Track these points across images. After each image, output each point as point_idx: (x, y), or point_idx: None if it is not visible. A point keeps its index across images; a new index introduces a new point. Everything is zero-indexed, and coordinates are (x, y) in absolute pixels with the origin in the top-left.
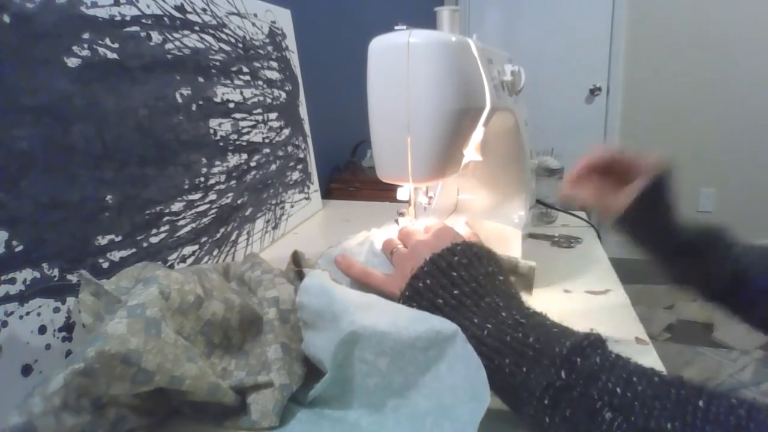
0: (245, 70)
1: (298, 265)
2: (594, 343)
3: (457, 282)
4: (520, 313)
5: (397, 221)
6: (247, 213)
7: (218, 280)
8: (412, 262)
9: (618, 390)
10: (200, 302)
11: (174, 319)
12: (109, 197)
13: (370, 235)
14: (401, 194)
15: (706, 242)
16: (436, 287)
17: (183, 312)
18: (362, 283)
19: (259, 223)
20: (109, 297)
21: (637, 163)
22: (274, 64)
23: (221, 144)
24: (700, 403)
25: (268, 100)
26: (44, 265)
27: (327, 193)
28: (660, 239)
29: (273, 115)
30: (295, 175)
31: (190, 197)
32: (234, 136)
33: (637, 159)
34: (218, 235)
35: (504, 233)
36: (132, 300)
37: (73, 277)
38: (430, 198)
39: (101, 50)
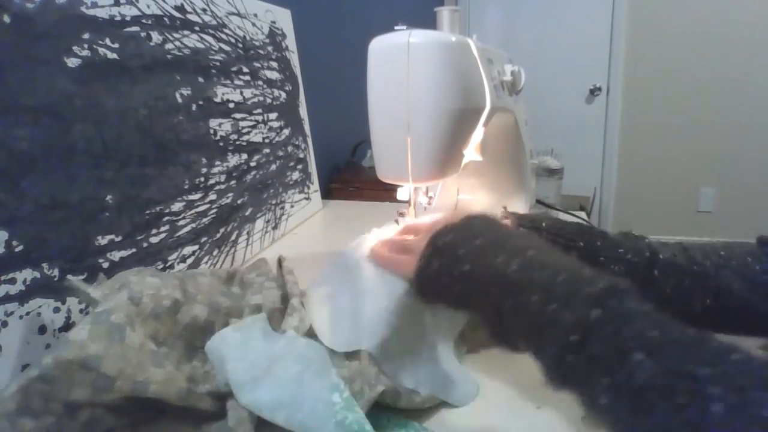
0: (245, 70)
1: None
2: (629, 290)
3: (477, 232)
4: (548, 253)
5: (397, 221)
6: (247, 213)
7: (208, 284)
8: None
9: (654, 333)
10: (177, 306)
11: (147, 324)
12: (109, 197)
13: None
14: (401, 194)
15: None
16: (457, 240)
17: (157, 316)
18: (387, 270)
19: (259, 223)
20: (95, 304)
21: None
22: (274, 64)
23: (221, 144)
24: (736, 355)
25: (268, 100)
26: (44, 265)
27: (327, 193)
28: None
29: (273, 115)
30: (295, 175)
31: (190, 197)
32: (234, 136)
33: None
34: (218, 235)
35: None
36: (100, 307)
37: (72, 278)
38: (430, 198)
39: (101, 50)
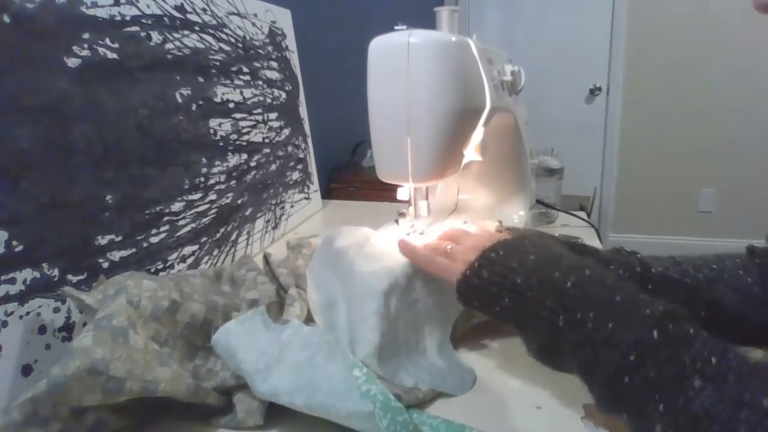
0: (245, 70)
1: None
2: (687, 315)
3: (530, 249)
4: (604, 273)
5: (397, 221)
6: (247, 213)
7: (201, 284)
8: (474, 254)
9: (713, 359)
10: (176, 306)
11: (147, 326)
12: (109, 197)
13: (360, 238)
14: (401, 194)
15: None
16: (509, 254)
17: (157, 318)
18: (424, 270)
19: (259, 223)
20: (91, 310)
21: None
22: (274, 64)
23: (221, 144)
24: None
25: (268, 100)
26: (44, 265)
27: (327, 193)
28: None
29: (273, 115)
30: (295, 175)
31: (190, 197)
32: (234, 136)
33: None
34: (218, 235)
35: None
36: (100, 313)
37: (73, 277)
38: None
39: (101, 50)
